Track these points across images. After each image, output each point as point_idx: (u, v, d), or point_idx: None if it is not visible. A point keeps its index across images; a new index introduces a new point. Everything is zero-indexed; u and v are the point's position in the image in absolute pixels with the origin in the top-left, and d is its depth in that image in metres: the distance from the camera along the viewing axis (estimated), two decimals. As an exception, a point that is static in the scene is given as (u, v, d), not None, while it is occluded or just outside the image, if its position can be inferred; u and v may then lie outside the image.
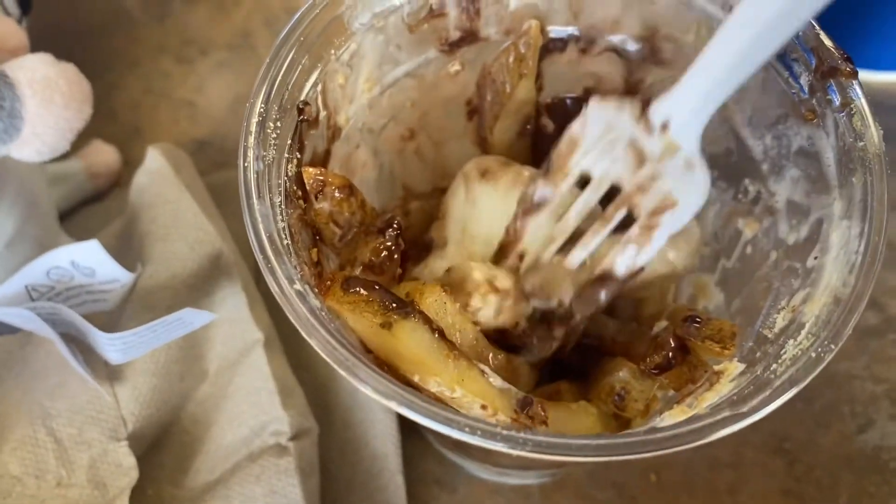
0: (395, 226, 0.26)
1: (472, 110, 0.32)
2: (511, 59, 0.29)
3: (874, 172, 0.23)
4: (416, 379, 0.22)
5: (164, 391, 0.32)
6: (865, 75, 0.42)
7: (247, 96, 0.45)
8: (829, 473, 0.34)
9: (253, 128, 0.23)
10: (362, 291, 0.23)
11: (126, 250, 0.33)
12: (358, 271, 0.25)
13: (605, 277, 0.25)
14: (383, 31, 0.27)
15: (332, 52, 0.26)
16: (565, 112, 0.30)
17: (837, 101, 0.24)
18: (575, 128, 0.26)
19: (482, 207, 0.29)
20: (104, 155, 0.40)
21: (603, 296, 0.25)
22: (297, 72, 0.25)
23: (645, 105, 0.24)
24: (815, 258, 0.23)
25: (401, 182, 0.33)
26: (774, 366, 0.21)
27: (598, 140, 0.25)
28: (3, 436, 0.31)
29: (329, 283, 0.23)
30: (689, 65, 0.22)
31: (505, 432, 0.18)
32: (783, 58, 0.25)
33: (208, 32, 0.46)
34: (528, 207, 0.26)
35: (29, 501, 0.30)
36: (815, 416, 0.36)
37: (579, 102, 0.26)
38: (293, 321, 0.20)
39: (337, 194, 0.25)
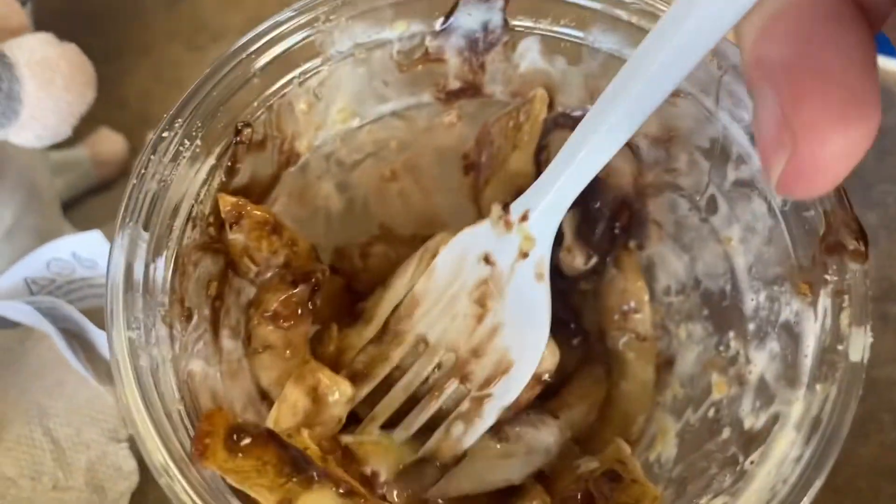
0: (314, 278, 0.23)
1: (469, 165, 0.29)
2: (509, 125, 0.27)
3: (842, 390, 0.19)
4: None
5: None
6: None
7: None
8: (869, 484, 0.33)
9: (161, 149, 0.20)
10: (252, 456, 0.19)
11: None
12: (266, 328, 0.22)
13: (424, 461, 0.24)
14: (366, 63, 0.24)
15: (297, 73, 0.23)
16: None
17: (833, 286, 0.19)
18: (418, 285, 0.24)
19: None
20: (111, 143, 0.39)
21: (424, 482, 0.23)
22: (242, 89, 0.22)
23: (505, 207, 0.23)
24: (752, 462, 0.19)
25: (378, 220, 0.29)
26: None
27: (440, 295, 0.24)
28: (1, 434, 0.30)
29: (206, 437, 0.18)
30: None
31: None
32: (797, 210, 0.20)
33: (220, 19, 0.44)
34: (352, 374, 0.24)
35: None
36: (855, 425, 0.34)
37: (585, 190, 0.23)
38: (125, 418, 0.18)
39: (257, 227, 0.22)
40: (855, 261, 0.18)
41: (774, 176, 0.15)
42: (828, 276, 0.18)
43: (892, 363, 0.35)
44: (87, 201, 0.38)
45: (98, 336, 0.28)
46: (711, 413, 0.22)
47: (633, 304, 0.26)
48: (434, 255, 0.24)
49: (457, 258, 0.24)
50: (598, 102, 0.19)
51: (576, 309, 0.27)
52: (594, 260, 0.26)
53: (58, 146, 0.37)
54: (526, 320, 0.23)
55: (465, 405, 0.24)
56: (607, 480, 0.21)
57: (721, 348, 0.23)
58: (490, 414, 0.23)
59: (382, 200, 0.28)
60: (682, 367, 0.25)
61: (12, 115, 0.27)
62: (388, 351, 0.24)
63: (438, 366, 0.24)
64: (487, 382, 0.23)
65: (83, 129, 0.36)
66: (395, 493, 0.22)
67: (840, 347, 0.18)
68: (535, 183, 0.22)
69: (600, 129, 0.19)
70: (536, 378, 0.24)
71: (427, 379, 0.24)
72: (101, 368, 0.30)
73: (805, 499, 0.17)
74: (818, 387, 0.18)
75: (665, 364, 0.26)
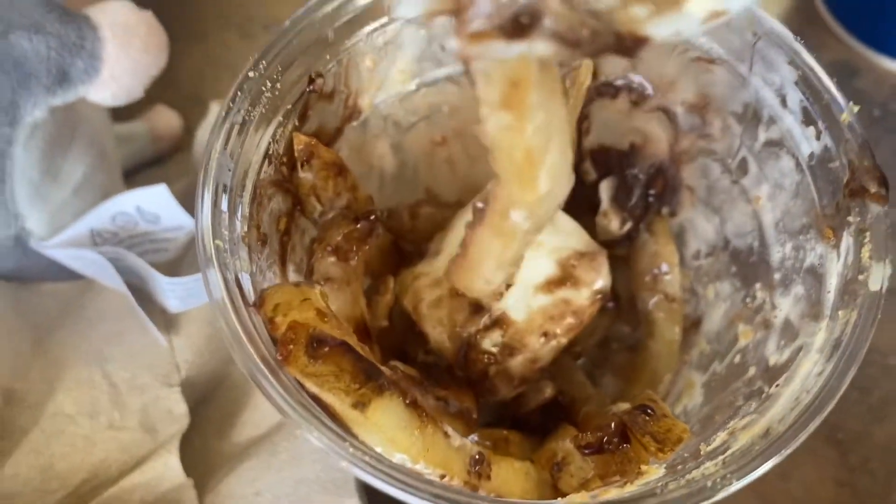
0: (373, 217, 0.25)
1: None
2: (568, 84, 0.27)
3: (863, 314, 0.20)
4: (378, 450, 0.20)
5: (216, 341, 0.32)
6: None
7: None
8: (884, 466, 0.34)
9: (245, 83, 0.22)
10: (333, 358, 0.20)
11: (189, 203, 0.33)
12: (328, 259, 0.24)
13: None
14: (427, 28, 0.26)
15: (365, 31, 0.25)
16: (607, 163, 0.28)
17: (855, 225, 0.21)
18: None
19: None
20: (167, 119, 0.41)
21: None
22: (315, 41, 0.24)
23: None
24: (777, 386, 0.21)
25: (425, 185, 0.31)
26: (673, 485, 0.19)
27: None
28: (59, 376, 0.31)
29: (290, 345, 0.20)
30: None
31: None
32: (823, 162, 0.22)
33: (271, 9, 0.47)
34: None
35: (81, 441, 0.31)
36: (872, 408, 0.35)
37: (623, 157, 0.24)
38: (224, 337, 0.19)
39: (325, 167, 0.24)
40: (877, 202, 0.20)
41: None
42: (850, 219, 0.20)
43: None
44: (144, 171, 0.40)
45: (160, 285, 0.30)
46: (738, 359, 0.24)
47: (664, 267, 0.28)
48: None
49: None
50: None
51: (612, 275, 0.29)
52: (629, 225, 0.28)
53: (120, 119, 0.39)
54: None
55: None
56: (640, 412, 0.22)
57: (748, 300, 0.24)
58: (695, 13, 0.17)
59: (431, 165, 0.30)
60: (709, 325, 0.27)
61: (93, 73, 0.29)
62: None
63: None
64: None
65: (142, 105, 0.38)
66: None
67: (861, 278, 0.20)
68: None
69: None
70: (598, 296, 0.25)
71: None
72: (159, 319, 0.32)
73: (830, 403, 0.18)
74: (840, 313, 0.20)
75: (692, 326, 0.28)
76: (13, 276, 0.33)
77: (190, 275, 0.30)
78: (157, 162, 0.41)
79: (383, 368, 0.21)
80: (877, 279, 0.19)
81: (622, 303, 0.29)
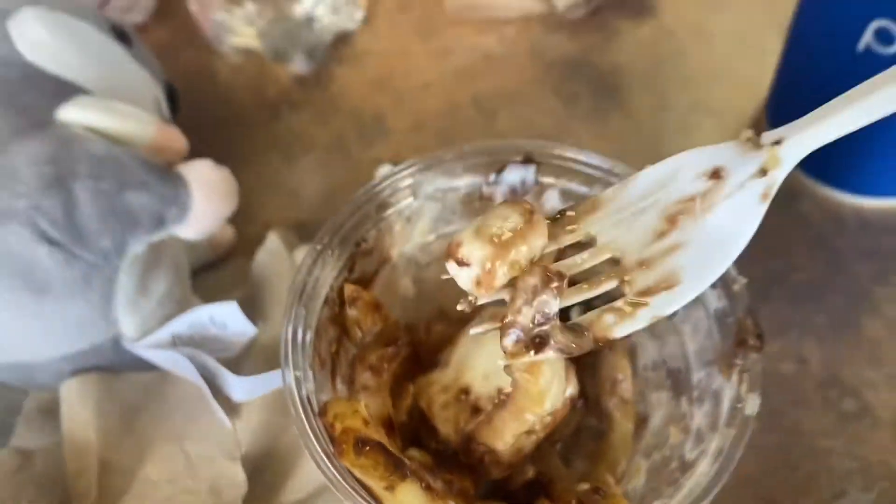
0: (398, 343, 0.33)
1: None
2: None
3: (740, 431, 0.27)
4: None
5: (269, 425, 0.40)
6: (862, 200, 0.51)
7: (339, 189, 0.54)
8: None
9: (314, 257, 0.30)
10: (371, 456, 0.27)
11: (248, 311, 0.42)
12: (365, 374, 0.32)
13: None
14: (441, 201, 0.34)
15: (396, 208, 0.33)
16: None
17: (740, 366, 0.29)
18: (607, 193, 0.27)
19: (482, 346, 0.34)
20: (223, 231, 0.49)
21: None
22: (361, 219, 0.32)
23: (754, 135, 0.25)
24: (686, 477, 0.28)
25: (439, 304, 0.38)
26: None
27: (627, 205, 0.26)
28: (146, 450, 0.39)
29: (343, 444, 0.27)
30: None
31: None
32: (722, 317, 0.30)
33: (310, 134, 0.55)
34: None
35: (162, 502, 0.38)
36: (798, 483, 0.42)
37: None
38: (295, 424, 0.27)
39: (366, 307, 0.32)
40: (755, 351, 0.28)
41: None
42: (737, 361, 0.28)
43: (832, 438, 0.43)
44: (202, 274, 0.48)
45: (227, 378, 0.38)
46: (668, 453, 0.31)
47: (620, 376, 0.36)
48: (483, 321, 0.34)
49: (667, 173, 0.25)
50: (867, 85, 0.24)
51: (580, 379, 0.37)
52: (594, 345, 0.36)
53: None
54: (717, 242, 0.24)
55: (618, 303, 0.26)
56: (594, 492, 0.30)
57: (677, 408, 0.32)
58: (642, 319, 0.25)
59: (442, 292, 0.38)
60: (653, 423, 0.34)
61: (183, 218, 0.38)
62: (555, 234, 0.26)
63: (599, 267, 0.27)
64: (647, 293, 0.25)
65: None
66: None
67: (739, 406, 0.28)
68: (794, 122, 0.24)
69: (867, 99, 0.23)
70: (570, 400, 0.32)
71: (586, 274, 0.26)
72: (225, 405, 0.40)
73: (712, 494, 0.26)
74: (727, 429, 0.28)
75: (641, 421, 0.36)
76: (108, 368, 0.41)
77: (251, 374, 0.38)
78: (214, 265, 0.49)
79: (405, 460, 0.29)
80: (751, 406, 0.27)
81: (590, 401, 0.37)
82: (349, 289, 0.31)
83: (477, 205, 0.34)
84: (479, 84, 0.57)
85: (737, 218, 0.25)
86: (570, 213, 0.27)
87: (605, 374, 0.36)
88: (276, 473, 0.40)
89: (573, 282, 0.26)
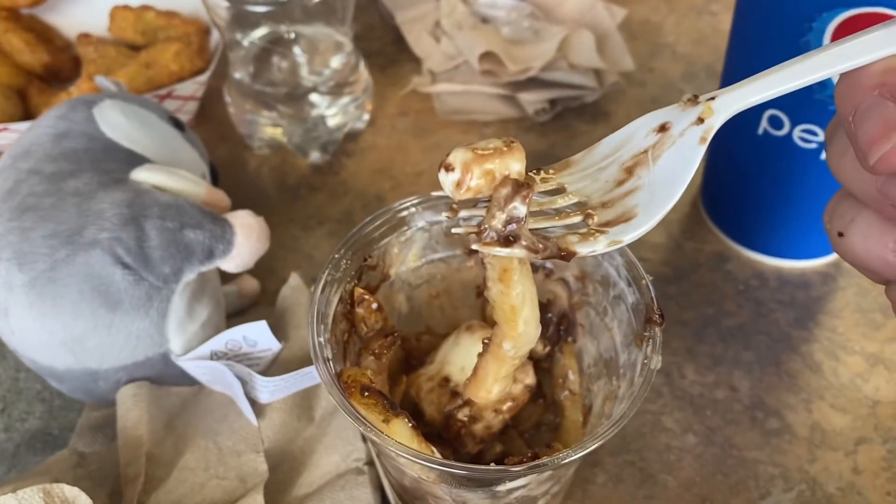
0: (394, 335, 0.40)
1: (480, 293, 0.46)
2: None
3: (647, 379, 0.35)
4: (393, 447, 0.33)
5: (287, 425, 0.48)
6: (780, 262, 0.61)
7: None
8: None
9: (332, 261, 0.39)
10: (372, 398, 0.35)
11: (273, 334, 0.51)
12: (369, 357, 0.40)
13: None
14: (429, 231, 0.42)
15: (395, 234, 0.42)
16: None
17: (648, 336, 0.36)
18: (575, 156, 0.31)
19: (460, 345, 0.42)
20: (250, 284, 0.58)
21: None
22: (370, 238, 0.41)
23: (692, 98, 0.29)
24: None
25: (426, 322, 0.46)
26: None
27: (592, 164, 0.30)
28: (186, 444, 0.47)
29: (352, 388, 0.35)
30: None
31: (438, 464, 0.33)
32: (636, 305, 0.38)
33: (324, 210, 0.64)
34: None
35: (198, 486, 0.45)
36: (730, 486, 0.50)
37: (543, 307, 0.39)
38: (319, 372, 0.35)
39: (370, 307, 0.40)
40: (657, 326, 0.37)
41: (873, 158, 0.23)
42: (646, 334, 0.38)
43: (758, 449, 0.51)
44: (232, 318, 0.57)
45: (256, 380, 0.47)
46: (603, 420, 0.40)
47: (569, 373, 0.45)
48: (460, 331, 0.43)
49: (625, 136, 0.30)
50: (792, 61, 0.26)
51: (539, 382, 0.46)
52: (548, 348, 0.45)
53: (222, 282, 0.57)
54: (666, 182, 0.28)
55: (581, 229, 0.29)
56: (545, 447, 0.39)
57: (610, 387, 0.41)
58: (602, 243, 0.29)
59: (430, 310, 0.47)
60: (595, 407, 0.43)
61: (228, 253, 0.47)
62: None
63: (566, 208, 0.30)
64: (607, 225, 0.29)
65: (233, 275, 0.56)
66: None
67: (646, 361, 0.36)
68: (729, 86, 0.28)
69: (788, 69, 0.26)
70: (528, 388, 0.41)
71: (556, 212, 0.30)
72: (253, 407, 0.49)
73: (624, 422, 0.34)
74: (638, 379, 0.36)
75: (587, 410, 0.44)
76: (155, 381, 0.50)
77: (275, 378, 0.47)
78: (241, 312, 0.59)
79: (397, 405, 0.37)
80: (655, 362, 0.36)
81: (548, 399, 0.46)
82: (357, 291, 0.41)
83: (455, 237, 0.44)
84: (465, 172, 0.69)
85: (681, 160, 0.28)
86: (543, 170, 0.31)
87: (557, 372, 0.45)
88: (292, 467, 0.48)
89: (545, 216, 0.30)
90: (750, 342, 0.57)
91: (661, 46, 0.81)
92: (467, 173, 0.29)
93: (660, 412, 0.53)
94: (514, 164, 0.29)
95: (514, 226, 0.28)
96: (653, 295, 0.37)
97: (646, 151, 0.29)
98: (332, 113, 0.68)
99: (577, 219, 0.30)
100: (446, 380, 0.42)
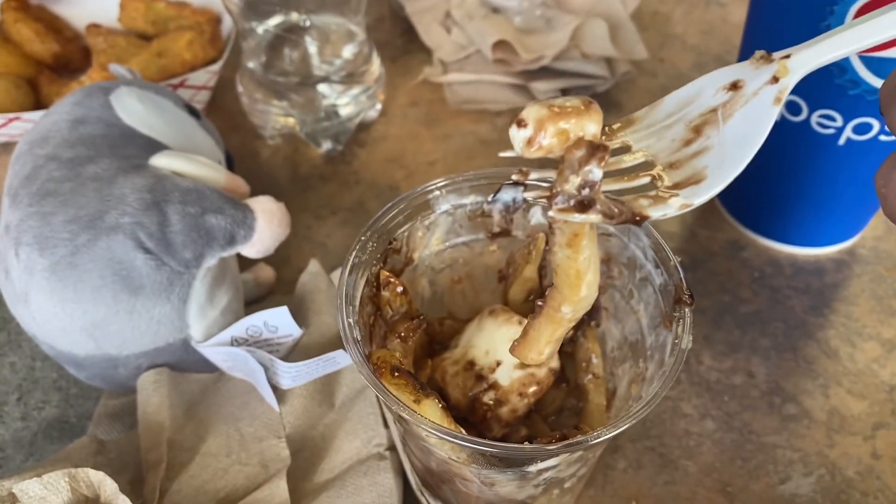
0: (420, 318, 0.40)
1: (501, 277, 0.46)
2: (525, 252, 0.43)
3: (676, 359, 0.34)
4: (424, 427, 0.33)
5: (308, 411, 0.48)
6: (795, 249, 0.61)
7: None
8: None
9: (359, 243, 0.39)
10: (402, 378, 0.34)
11: (294, 319, 0.51)
12: (395, 341, 0.39)
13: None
14: (453, 215, 0.42)
15: (420, 217, 0.42)
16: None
17: (678, 317, 0.36)
18: (638, 112, 0.30)
19: (484, 329, 0.42)
20: (266, 272, 0.58)
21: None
22: (395, 222, 0.41)
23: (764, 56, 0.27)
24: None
25: (448, 307, 0.47)
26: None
27: (657, 122, 0.29)
28: (208, 430, 0.47)
29: (382, 368, 0.35)
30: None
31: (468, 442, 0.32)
32: (664, 287, 0.38)
33: (337, 200, 0.64)
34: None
35: (220, 472, 0.45)
36: (750, 471, 0.50)
37: None
38: (350, 353, 0.34)
39: (395, 290, 0.40)
40: (687, 306, 0.37)
41: None
42: (676, 314, 0.37)
43: (776, 434, 0.52)
44: (250, 306, 0.57)
45: (277, 366, 0.47)
46: (631, 403, 0.40)
47: (593, 357, 0.45)
48: (483, 315, 0.43)
49: (691, 93, 0.28)
50: (863, 18, 0.25)
51: (562, 364, 0.46)
52: (572, 332, 0.45)
53: (239, 270, 0.57)
54: (737, 143, 0.27)
55: (651, 192, 0.28)
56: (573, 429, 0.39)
57: (636, 370, 0.41)
58: (673, 206, 0.28)
59: (451, 295, 0.47)
60: (620, 391, 0.43)
61: (249, 239, 0.47)
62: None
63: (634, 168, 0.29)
64: (676, 187, 0.28)
65: (251, 262, 0.56)
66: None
67: (677, 341, 0.36)
68: (801, 44, 0.27)
69: (863, 26, 0.25)
70: (552, 372, 0.40)
71: (623, 172, 0.29)
72: (273, 393, 0.48)
73: (657, 401, 0.34)
74: (669, 359, 0.36)
75: (611, 394, 0.44)
76: (175, 367, 0.49)
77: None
78: (258, 300, 0.59)
79: (425, 384, 0.37)
80: (686, 342, 0.36)
81: (571, 384, 0.46)
82: (383, 274, 0.40)
83: (479, 220, 0.44)
84: (475, 162, 0.69)
85: (754, 120, 0.27)
86: (607, 127, 0.29)
87: (581, 356, 0.45)
88: (313, 453, 0.47)
89: (612, 177, 0.29)
90: (766, 329, 0.57)
91: (671, 37, 0.82)
92: (540, 131, 0.27)
93: (678, 398, 0.53)
94: (591, 126, 0.27)
95: (588, 190, 0.27)
96: (681, 275, 0.37)
97: (715, 110, 0.27)
98: (344, 103, 0.68)
99: (645, 180, 0.28)
100: (471, 363, 0.42)
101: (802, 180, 0.56)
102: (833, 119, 0.51)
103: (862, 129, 0.50)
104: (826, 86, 0.49)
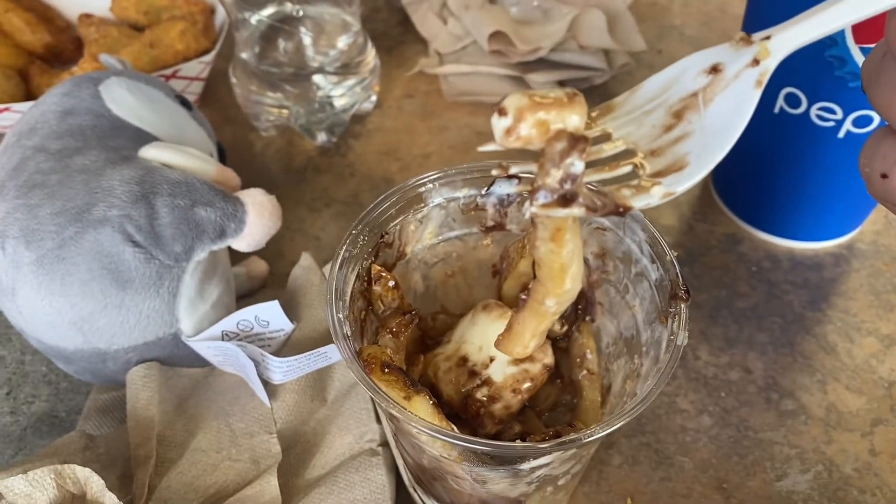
0: (412, 313, 0.40)
1: (496, 272, 0.45)
2: (519, 246, 0.42)
3: (672, 356, 0.34)
4: (415, 424, 0.32)
5: (300, 406, 0.47)
6: (792, 243, 0.60)
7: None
8: (755, 505, 0.48)
9: (350, 237, 0.38)
10: (392, 374, 0.34)
11: (286, 314, 0.50)
12: (387, 336, 0.39)
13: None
14: (446, 208, 0.41)
15: (412, 211, 0.41)
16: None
17: (673, 313, 0.35)
18: (617, 98, 0.29)
19: (477, 325, 0.41)
20: (259, 266, 0.57)
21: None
22: (387, 215, 0.40)
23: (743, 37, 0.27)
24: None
25: (441, 302, 0.46)
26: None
27: (637, 108, 0.28)
28: (198, 426, 0.46)
29: (372, 365, 0.34)
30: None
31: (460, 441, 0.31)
32: (660, 283, 0.37)
33: (331, 192, 0.64)
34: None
35: (210, 468, 0.45)
36: (746, 467, 0.50)
37: None
38: (339, 350, 0.34)
39: (387, 284, 0.40)
40: (683, 302, 0.36)
41: None
42: (671, 310, 0.37)
43: (773, 430, 0.51)
44: (242, 300, 0.56)
45: (268, 361, 0.46)
46: (625, 399, 0.40)
47: (587, 353, 0.44)
48: (476, 310, 0.43)
49: (671, 77, 0.28)
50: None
51: (556, 359, 0.45)
52: (566, 328, 0.45)
53: (231, 264, 0.57)
54: (719, 128, 0.26)
55: (633, 181, 0.27)
56: (566, 426, 0.38)
57: (631, 366, 0.41)
58: (655, 195, 0.27)
59: (445, 290, 0.47)
60: (615, 387, 0.43)
61: (240, 232, 0.47)
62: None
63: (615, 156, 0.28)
64: (658, 175, 0.27)
65: (243, 256, 0.55)
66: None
67: (672, 338, 0.36)
68: (781, 24, 0.26)
69: (835, 7, 0.25)
70: (546, 368, 0.40)
71: (604, 161, 0.28)
72: (264, 388, 0.48)
73: (651, 399, 0.34)
74: (665, 356, 0.36)
75: (606, 390, 0.44)
76: (165, 362, 0.49)
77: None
78: (251, 294, 0.58)
79: (416, 380, 0.37)
80: (681, 338, 0.35)
81: (565, 379, 0.45)
82: (374, 268, 0.40)
83: (473, 213, 0.43)
84: (471, 155, 0.68)
85: (735, 105, 0.26)
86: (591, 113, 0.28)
87: (575, 352, 0.44)
88: (305, 449, 0.47)
89: (592, 167, 0.28)
90: (763, 324, 0.56)
91: (669, 28, 0.81)
92: (520, 121, 0.26)
93: (674, 394, 0.52)
94: (573, 118, 0.26)
95: (570, 183, 0.26)
96: (678, 271, 0.37)
97: (695, 94, 0.27)
98: (339, 94, 0.67)
99: (626, 169, 0.28)
100: (464, 359, 0.41)
101: (802, 173, 0.56)
102: (833, 112, 0.50)
103: (862, 121, 0.49)
104: (826, 78, 0.48)
